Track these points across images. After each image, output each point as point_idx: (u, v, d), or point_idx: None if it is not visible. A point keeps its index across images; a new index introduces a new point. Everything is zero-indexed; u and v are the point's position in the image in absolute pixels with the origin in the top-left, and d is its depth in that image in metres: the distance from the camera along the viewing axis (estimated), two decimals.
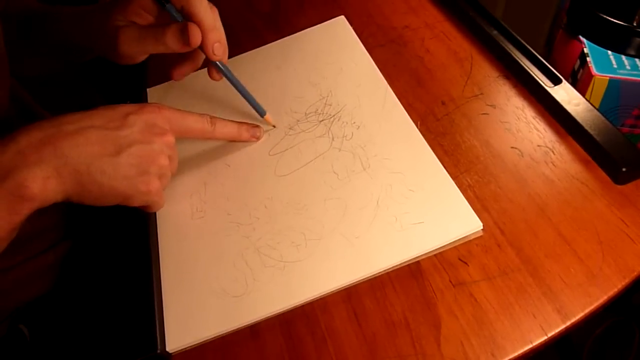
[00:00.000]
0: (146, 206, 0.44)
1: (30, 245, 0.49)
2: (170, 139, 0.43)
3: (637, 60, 0.60)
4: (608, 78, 0.59)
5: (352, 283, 0.41)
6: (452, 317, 0.37)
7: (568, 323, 0.36)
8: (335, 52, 0.58)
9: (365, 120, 0.50)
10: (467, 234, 0.41)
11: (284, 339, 0.40)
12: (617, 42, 0.61)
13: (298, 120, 0.53)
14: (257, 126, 0.52)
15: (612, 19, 0.59)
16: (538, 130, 0.46)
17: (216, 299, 0.42)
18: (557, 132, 0.46)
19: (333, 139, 0.50)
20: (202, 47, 0.45)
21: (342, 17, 0.62)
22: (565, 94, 0.46)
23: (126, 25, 0.46)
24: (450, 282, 0.39)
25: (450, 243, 0.41)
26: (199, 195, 0.49)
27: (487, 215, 0.42)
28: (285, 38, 0.62)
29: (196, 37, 0.44)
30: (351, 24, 0.60)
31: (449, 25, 0.57)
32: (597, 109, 0.44)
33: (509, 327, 0.36)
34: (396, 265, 0.41)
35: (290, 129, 0.52)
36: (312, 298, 0.41)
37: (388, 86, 0.52)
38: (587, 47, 0.62)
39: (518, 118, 0.47)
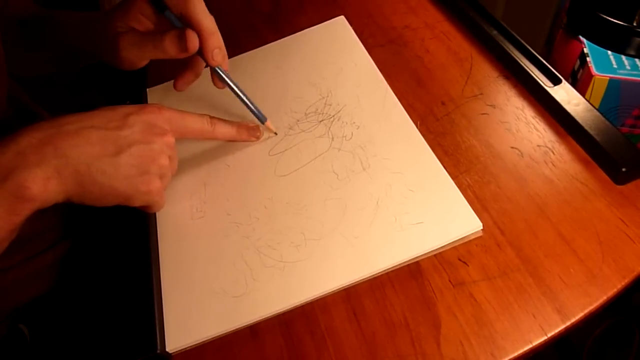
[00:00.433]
0: (147, 206, 0.44)
1: (30, 245, 0.49)
2: (170, 139, 0.43)
3: (637, 60, 0.60)
4: (608, 78, 0.58)
5: (351, 283, 0.41)
6: (451, 317, 0.37)
7: (568, 323, 0.36)
8: (335, 52, 0.58)
9: (365, 121, 0.50)
10: (467, 234, 0.41)
11: (283, 339, 0.40)
12: (617, 42, 0.61)
13: (298, 120, 0.53)
14: (257, 126, 0.52)
15: (612, 19, 0.59)
16: (538, 130, 0.46)
17: (216, 299, 0.42)
18: (556, 132, 0.46)
19: (333, 139, 0.50)
20: (201, 53, 0.46)
21: (342, 17, 0.62)
22: (565, 94, 0.46)
23: (126, 32, 0.46)
24: (450, 282, 0.39)
25: (450, 243, 0.41)
26: (199, 196, 0.49)
27: (487, 215, 0.42)
28: (285, 38, 0.62)
29: (194, 43, 0.44)
30: (351, 24, 0.60)
31: (448, 25, 0.57)
32: (597, 109, 0.44)
33: (509, 327, 0.36)
34: (396, 265, 0.41)
35: (290, 129, 0.52)
36: (311, 298, 0.41)
37: (388, 86, 0.52)
38: (587, 47, 0.62)
39: (518, 118, 0.47)
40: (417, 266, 0.41)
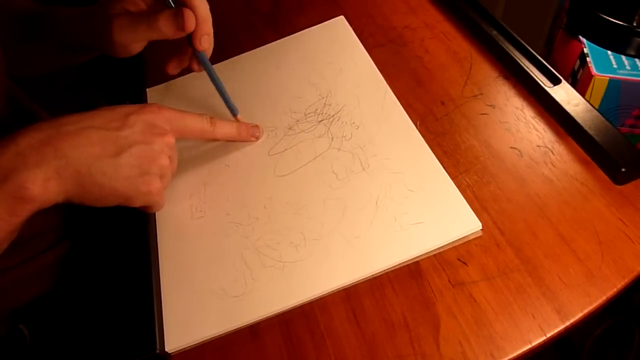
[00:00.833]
0: (147, 206, 0.44)
1: (30, 246, 0.49)
2: (170, 139, 0.43)
3: (637, 60, 0.60)
4: (608, 78, 0.58)
5: (351, 283, 0.41)
6: (451, 317, 0.37)
7: (567, 323, 0.36)
8: (335, 52, 0.58)
9: (364, 121, 0.50)
10: (467, 234, 0.41)
11: (283, 339, 0.40)
12: (617, 42, 0.61)
13: (297, 120, 0.53)
14: (257, 126, 0.52)
15: (612, 19, 0.59)
16: (537, 130, 0.46)
17: (216, 299, 0.42)
18: (556, 132, 0.46)
19: (332, 139, 0.50)
20: (189, 38, 0.46)
21: (342, 17, 0.62)
22: (564, 94, 0.46)
23: (120, 14, 0.46)
24: (450, 282, 0.39)
25: (450, 243, 0.41)
26: (199, 196, 0.49)
27: (487, 216, 0.42)
28: (285, 38, 0.62)
29: (190, 22, 0.44)
30: (351, 24, 0.60)
31: (448, 25, 0.57)
32: (597, 109, 0.44)
33: (508, 328, 0.36)
34: (395, 266, 0.41)
35: (289, 129, 0.52)
36: (311, 298, 0.41)
37: (387, 86, 0.52)
38: (587, 47, 0.62)
39: (517, 118, 0.47)
40: (417, 266, 0.41)
